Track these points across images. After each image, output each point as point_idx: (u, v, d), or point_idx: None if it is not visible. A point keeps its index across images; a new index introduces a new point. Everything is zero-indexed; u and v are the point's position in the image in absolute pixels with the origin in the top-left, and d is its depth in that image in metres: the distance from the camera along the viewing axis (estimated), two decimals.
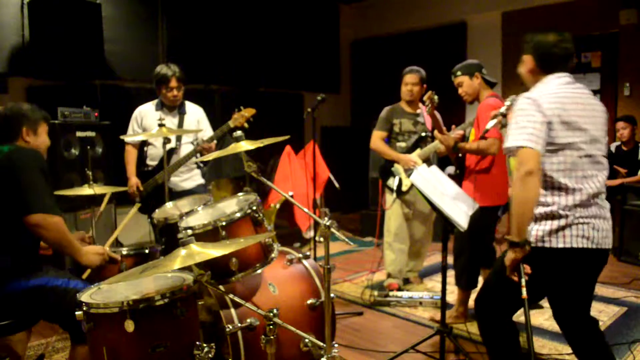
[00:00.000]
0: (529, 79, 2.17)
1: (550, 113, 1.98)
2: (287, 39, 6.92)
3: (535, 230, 2.03)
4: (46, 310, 2.18)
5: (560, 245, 2.00)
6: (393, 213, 3.97)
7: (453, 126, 3.38)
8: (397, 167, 3.92)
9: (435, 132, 3.33)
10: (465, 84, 3.30)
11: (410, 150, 3.93)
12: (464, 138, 3.39)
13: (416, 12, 7.05)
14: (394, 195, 3.92)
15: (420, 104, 4.03)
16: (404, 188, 3.88)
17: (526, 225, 1.97)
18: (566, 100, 2.02)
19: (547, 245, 2.01)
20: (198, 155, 3.56)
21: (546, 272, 2.07)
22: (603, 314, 3.57)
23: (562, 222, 1.99)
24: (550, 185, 2.02)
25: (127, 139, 3.66)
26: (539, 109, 1.97)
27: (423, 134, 3.93)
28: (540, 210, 2.01)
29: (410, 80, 3.95)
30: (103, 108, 4.61)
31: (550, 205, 2.01)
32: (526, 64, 2.16)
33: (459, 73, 3.32)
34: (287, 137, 2.35)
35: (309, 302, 2.40)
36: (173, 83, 3.55)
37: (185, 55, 5.66)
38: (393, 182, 3.93)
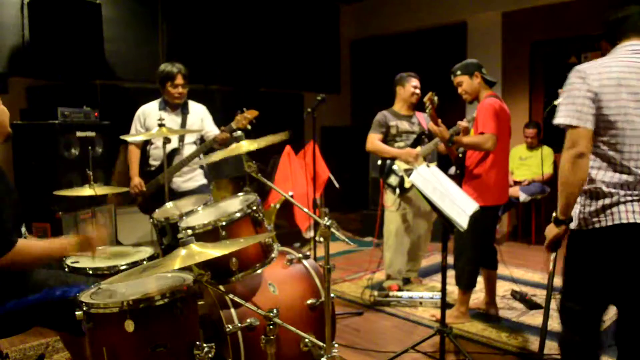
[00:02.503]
0: None
1: (597, 84, 1.87)
2: (287, 38, 6.92)
3: (579, 213, 1.96)
4: (47, 322, 2.17)
5: (610, 223, 1.90)
6: (393, 214, 3.97)
7: (459, 122, 3.39)
8: (399, 165, 3.92)
9: (431, 124, 3.33)
10: (465, 83, 3.31)
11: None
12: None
13: (416, 12, 7.04)
14: (397, 193, 3.91)
15: (413, 110, 4.07)
16: (407, 185, 3.87)
17: (572, 205, 1.93)
18: (626, 69, 1.89)
19: (594, 226, 1.93)
20: (201, 156, 3.56)
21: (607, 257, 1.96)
22: None
23: (607, 200, 1.90)
24: (599, 158, 1.93)
25: (129, 138, 3.66)
26: (583, 81, 1.89)
27: (425, 131, 3.94)
28: (585, 187, 1.93)
29: (417, 83, 4.01)
30: (103, 108, 4.62)
31: (595, 182, 1.93)
32: (602, 49, 2.08)
33: (458, 72, 3.33)
34: (286, 133, 2.35)
35: (309, 302, 2.40)
36: (179, 80, 3.56)
37: (185, 55, 5.62)
38: (395, 180, 3.92)
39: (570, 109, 1.89)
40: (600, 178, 1.92)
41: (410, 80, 4.01)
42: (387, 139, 3.98)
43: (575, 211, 1.97)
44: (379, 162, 4.02)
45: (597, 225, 1.93)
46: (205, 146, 3.56)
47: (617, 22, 1.99)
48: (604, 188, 1.91)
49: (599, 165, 1.94)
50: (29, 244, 2.01)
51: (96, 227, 2.19)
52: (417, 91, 3.98)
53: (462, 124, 3.31)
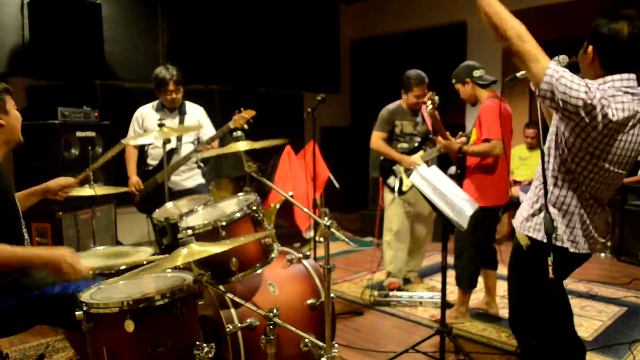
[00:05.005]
0: (588, 72, 1.85)
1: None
2: (287, 39, 6.92)
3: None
4: (47, 319, 2.17)
5: None
6: (395, 212, 3.97)
7: (460, 132, 3.41)
8: (398, 167, 3.92)
9: (439, 138, 3.35)
10: (461, 90, 3.41)
11: (413, 151, 3.93)
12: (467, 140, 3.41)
13: (416, 12, 7.05)
14: (395, 194, 3.92)
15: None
16: (405, 188, 3.88)
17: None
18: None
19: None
20: (198, 154, 3.57)
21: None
22: (603, 314, 3.57)
23: None
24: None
25: (131, 142, 3.67)
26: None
27: (429, 135, 3.92)
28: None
29: (421, 92, 3.85)
30: (103, 108, 4.62)
31: None
32: (587, 55, 1.82)
33: (453, 81, 3.43)
34: (286, 140, 2.36)
35: (309, 302, 2.40)
36: (171, 87, 3.56)
37: (185, 55, 5.66)
38: (394, 182, 3.93)
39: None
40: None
41: (415, 90, 3.87)
42: (392, 137, 3.97)
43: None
44: (381, 158, 4.02)
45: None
46: (197, 150, 3.57)
47: (624, 51, 1.75)
48: None
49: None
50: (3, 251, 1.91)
51: (75, 260, 2.01)
52: (420, 99, 3.83)
53: (462, 139, 3.34)
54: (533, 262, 1.92)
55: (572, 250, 1.90)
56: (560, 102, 1.69)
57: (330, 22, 7.73)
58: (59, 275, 1.96)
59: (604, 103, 1.68)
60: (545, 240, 1.77)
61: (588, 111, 1.67)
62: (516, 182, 5.75)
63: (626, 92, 1.74)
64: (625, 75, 1.77)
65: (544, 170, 1.80)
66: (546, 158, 1.91)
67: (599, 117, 1.68)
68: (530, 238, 1.94)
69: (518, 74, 2.08)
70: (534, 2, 5.92)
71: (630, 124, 1.73)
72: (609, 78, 1.77)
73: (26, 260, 1.97)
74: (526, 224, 1.96)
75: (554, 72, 1.69)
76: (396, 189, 3.91)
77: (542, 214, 1.90)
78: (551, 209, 1.90)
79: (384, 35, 7.57)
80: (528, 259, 1.97)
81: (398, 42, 7.40)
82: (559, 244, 1.90)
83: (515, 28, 1.74)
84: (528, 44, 1.72)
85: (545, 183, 1.81)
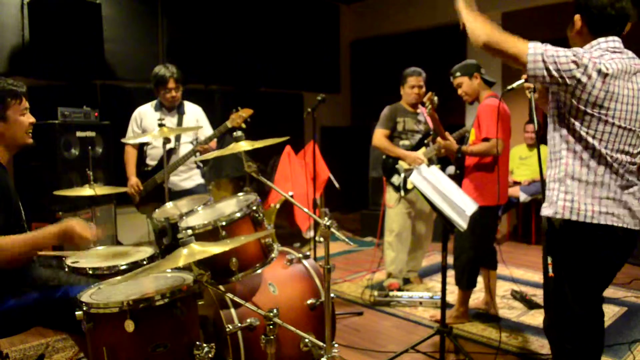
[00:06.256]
0: (577, 42, 1.98)
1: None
2: (287, 39, 6.92)
3: None
4: (49, 322, 2.16)
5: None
6: (396, 212, 3.97)
7: (447, 133, 3.40)
8: (402, 165, 3.92)
9: (438, 139, 3.36)
10: (465, 84, 3.32)
11: (414, 148, 3.94)
12: (463, 139, 3.41)
13: (416, 12, 7.04)
14: (400, 193, 3.92)
15: (419, 105, 4.04)
16: (409, 186, 3.87)
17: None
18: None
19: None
20: (197, 154, 3.57)
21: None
22: None
23: None
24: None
25: (130, 141, 3.67)
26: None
27: (430, 132, 3.93)
28: None
29: (415, 83, 3.95)
30: (103, 108, 4.62)
31: None
32: (575, 24, 1.97)
33: (457, 74, 3.34)
34: (286, 138, 2.35)
35: (309, 302, 2.40)
36: (171, 84, 3.56)
37: (185, 55, 5.66)
38: (398, 180, 3.93)
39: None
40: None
41: (408, 80, 3.97)
42: (393, 135, 3.98)
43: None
44: (384, 156, 4.03)
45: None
46: (195, 151, 3.57)
47: (607, 14, 1.89)
48: None
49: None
50: (6, 240, 1.93)
51: (87, 223, 2.07)
52: (416, 90, 3.95)
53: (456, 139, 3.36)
54: (565, 240, 1.92)
55: (609, 222, 1.84)
56: (555, 72, 1.81)
57: (330, 22, 7.72)
58: (71, 245, 2.00)
59: (595, 61, 1.81)
60: (572, 219, 1.86)
61: (583, 71, 1.79)
62: (516, 183, 5.75)
63: (614, 52, 1.88)
64: (610, 38, 1.90)
65: (540, 166, 1.83)
66: (550, 135, 1.98)
67: (594, 74, 1.79)
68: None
69: (514, 85, 2.18)
70: (534, 2, 5.92)
71: (626, 77, 1.85)
72: (595, 42, 1.91)
73: (39, 240, 2.01)
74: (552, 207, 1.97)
75: (535, 48, 1.82)
76: (401, 187, 3.91)
77: (559, 194, 1.92)
78: (569, 182, 1.90)
79: (384, 35, 7.57)
80: (560, 239, 1.94)
81: (398, 42, 7.40)
82: (587, 221, 1.86)
83: (484, 28, 1.92)
84: (500, 35, 1.89)
85: (541, 173, 1.85)
